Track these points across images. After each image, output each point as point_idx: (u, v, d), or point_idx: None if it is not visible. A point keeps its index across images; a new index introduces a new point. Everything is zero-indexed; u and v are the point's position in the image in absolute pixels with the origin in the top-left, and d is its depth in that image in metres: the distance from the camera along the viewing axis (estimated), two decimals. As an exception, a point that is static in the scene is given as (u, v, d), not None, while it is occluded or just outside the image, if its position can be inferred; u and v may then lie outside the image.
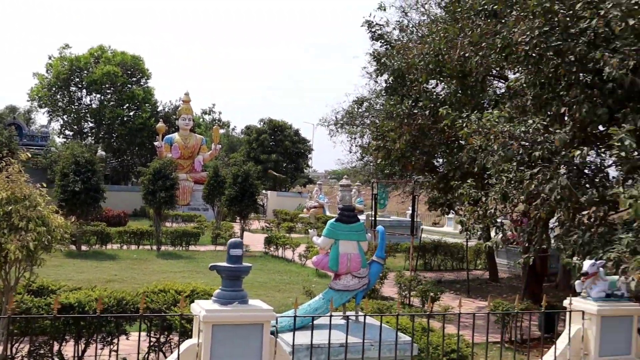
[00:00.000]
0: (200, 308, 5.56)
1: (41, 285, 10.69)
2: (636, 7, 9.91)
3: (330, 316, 6.21)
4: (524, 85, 12.02)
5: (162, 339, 9.41)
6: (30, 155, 9.42)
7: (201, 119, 69.37)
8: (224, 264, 5.78)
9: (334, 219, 8.38)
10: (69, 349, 9.12)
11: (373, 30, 20.31)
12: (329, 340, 6.01)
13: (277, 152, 60.95)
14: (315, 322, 7.16)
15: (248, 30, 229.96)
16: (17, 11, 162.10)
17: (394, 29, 22.11)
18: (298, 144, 63.26)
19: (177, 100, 55.51)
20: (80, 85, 54.75)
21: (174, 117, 50.68)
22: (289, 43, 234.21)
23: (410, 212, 25.62)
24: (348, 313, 8.23)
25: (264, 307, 5.67)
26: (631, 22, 9.84)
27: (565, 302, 8.17)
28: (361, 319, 7.83)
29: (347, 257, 8.11)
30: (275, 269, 20.42)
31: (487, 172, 12.03)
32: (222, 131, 66.44)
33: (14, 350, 8.69)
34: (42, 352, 8.76)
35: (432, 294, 13.63)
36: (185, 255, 23.69)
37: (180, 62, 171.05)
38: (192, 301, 6.10)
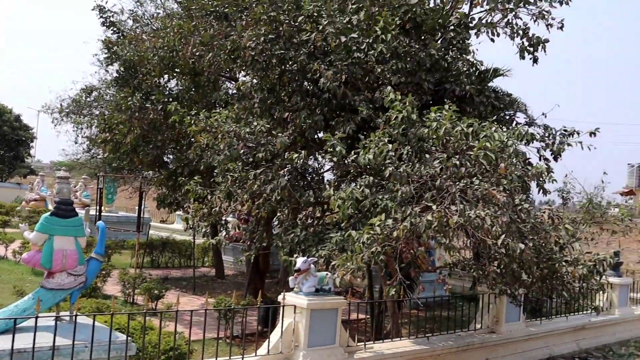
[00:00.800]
0: None
1: None
2: (349, 26, 10.93)
3: (37, 317, 5.81)
4: (252, 88, 12.49)
5: None
6: None
7: None
8: None
9: (48, 213, 7.88)
10: None
11: (105, 16, 19.52)
12: (34, 343, 5.62)
13: (-6, 138, 55.36)
14: (24, 324, 6.66)
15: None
16: None
17: (128, 18, 21.53)
18: (19, 130, 58.08)
19: None
20: None
21: None
22: (14, 19, 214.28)
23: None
24: (62, 313, 7.79)
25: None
26: (343, 39, 10.82)
27: (280, 297, 8.68)
28: (79, 319, 7.47)
29: (62, 254, 7.66)
30: (-16, 268, 18.53)
31: (214, 171, 12.27)
32: None
33: None
34: None
35: (156, 291, 13.48)
36: None
37: None
38: None
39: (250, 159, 11.42)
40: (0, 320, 6.63)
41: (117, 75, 18.92)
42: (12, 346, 5.56)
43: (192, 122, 11.78)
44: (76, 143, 26.39)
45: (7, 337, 6.22)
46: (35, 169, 63.52)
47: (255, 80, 12.65)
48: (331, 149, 9.75)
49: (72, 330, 6.72)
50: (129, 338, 7.22)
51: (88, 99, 24.13)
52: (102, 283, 14.95)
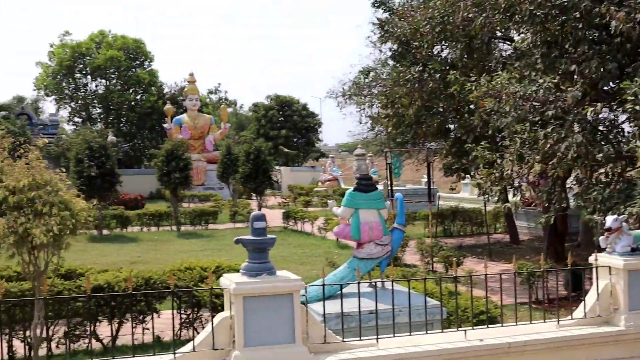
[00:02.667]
0: (229, 281, 5.62)
1: (69, 269, 10.94)
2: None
3: (359, 284, 6.29)
4: (531, 45, 11.95)
5: (192, 315, 9.58)
6: (47, 141, 9.54)
7: (208, 99, 69.03)
8: (249, 237, 5.82)
9: (352, 189, 8.47)
10: (103, 329, 9.31)
11: (374, -3, 20.20)
12: (359, 307, 6.08)
13: (287, 127, 60.82)
14: (342, 291, 7.27)
15: (245, 8, 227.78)
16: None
17: (395, -5, 21.97)
18: (307, 118, 63.01)
19: (182, 81, 55.35)
20: (84, 72, 54.70)
21: (181, 98, 50.60)
22: (293, 15, 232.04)
23: (425, 179, 25.67)
24: (373, 280, 8.35)
25: (292, 277, 5.74)
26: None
27: (591, 259, 8.20)
28: (388, 285, 7.94)
29: (368, 226, 8.22)
30: (296, 243, 20.58)
31: (501, 134, 12.03)
32: (229, 110, 66.30)
33: (50, 333, 8.89)
34: (77, 333, 8.96)
35: (454, 258, 13.75)
36: (205, 234, 23.88)
37: (181, 44, 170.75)
38: (219, 277, 6.15)
39: (537, 118, 10.95)
40: (316, 288, 7.30)
41: (392, 52, 19.53)
42: (342, 309, 6.08)
43: (473, 88, 11.65)
44: (360, 123, 27.78)
45: (330, 302, 6.83)
46: (324, 152, 68.50)
47: (534, 36, 12.08)
48: (632, 97, 8.92)
49: (386, 296, 7.15)
50: (439, 303, 7.48)
51: (366, 80, 25.16)
52: (402, 253, 15.63)
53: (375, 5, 20.42)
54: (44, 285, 5.82)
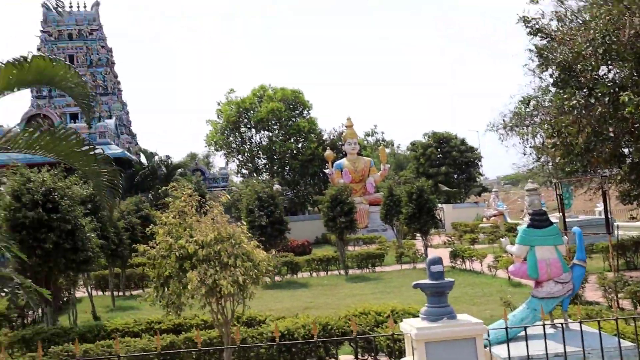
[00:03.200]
0: (410, 327, 5.64)
1: (250, 316, 11.50)
2: None
3: (544, 325, 6.03)
4: None
5: (370, 360, 9.65)
6: (229, 197, 10.21)
7: (365, 141, 70.32)
8: (427, 281, 5.82)
9: (525, 225, 8.22)
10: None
11: (530, 25, 19.64)
12: (546, 350, 5.83)
13: (446, 164, 60.21)
14: (521, 333, 7.00)
15: (395, 51, 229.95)
16: (183, 66, 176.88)
17: (551, 20, 21.26)
18: (466, 153, 61.97)
19: (340, 126, 57.05)
20: (248, 125, 58.50)
21: (340, 143, 52.05)
22: (442, 52, 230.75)
23: (599, 209, 24.20)
24: (555, 321, 7.95)
25: (474, 321, 5.65)
26: None
27: None
28: (572, 326, 7.54)
29: (545, 263, 7.89)
30: (466, 283, 20.09)
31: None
32: (387, 150, 66.89)
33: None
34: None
35: (643, 294, 12.73)
36: (373, 277, 24.01)
37: (335, 89, 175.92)
38: (395, 321, 6.18)
39: None
40: (496, 331, 7.07)
41: (553, 78, 18.83)
42: (528, 353, 5.86)
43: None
44: (524, 154, 26.86)
45: (513, 345, 6.60)
46: (486, 187, 66.79)
47: None
48: None
49: (571, 337, 6.78)
50: (634, 344, 6.96)
51: (527, 109, 24.40)
52: (582, 289, 14.71)
53: (532, 33, 19.88)
54: (235, 334, 6.17)
